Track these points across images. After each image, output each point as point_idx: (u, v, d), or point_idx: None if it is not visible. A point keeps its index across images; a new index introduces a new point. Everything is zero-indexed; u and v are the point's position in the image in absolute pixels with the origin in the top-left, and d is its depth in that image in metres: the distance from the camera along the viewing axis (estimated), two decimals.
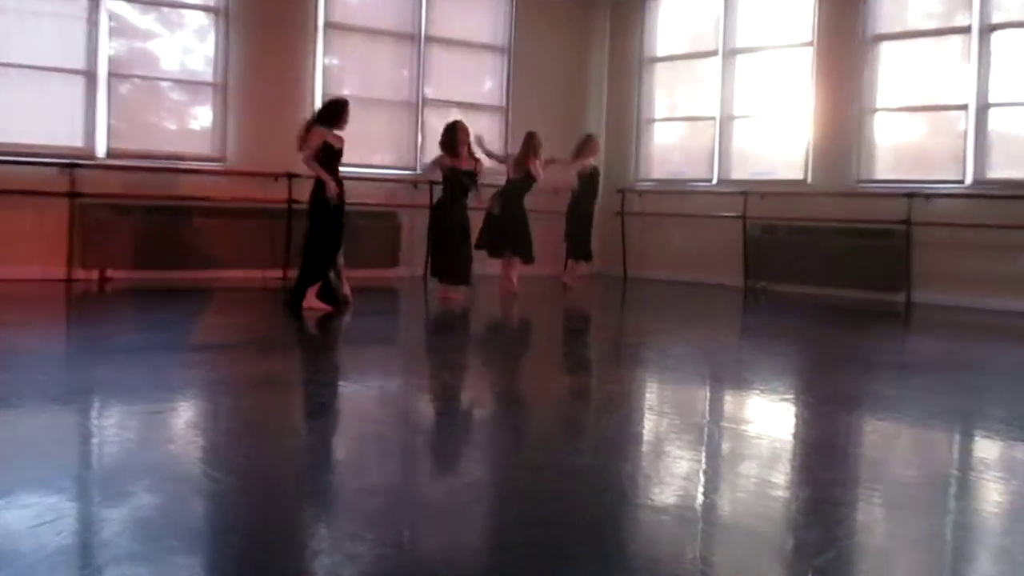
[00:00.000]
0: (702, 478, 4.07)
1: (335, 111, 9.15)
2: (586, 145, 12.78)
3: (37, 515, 3.20)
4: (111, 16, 11.50)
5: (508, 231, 11.35)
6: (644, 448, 4.68)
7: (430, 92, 13.71)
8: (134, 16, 11.84)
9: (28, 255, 10.78)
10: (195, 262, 11.46)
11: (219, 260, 11.51)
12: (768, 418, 5.45)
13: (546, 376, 6.54)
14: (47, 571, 2.72)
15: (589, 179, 12.79)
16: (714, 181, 13.93)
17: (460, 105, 13.97)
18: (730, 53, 13.82)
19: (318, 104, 12.28)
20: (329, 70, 12.87)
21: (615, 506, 3.60)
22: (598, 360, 7.61)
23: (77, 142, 11.28)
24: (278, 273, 11.69)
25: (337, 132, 9.06)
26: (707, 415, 5.64)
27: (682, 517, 3.51)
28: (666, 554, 3.12)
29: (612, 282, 14.00)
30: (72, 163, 10.98)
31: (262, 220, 11.85)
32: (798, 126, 13.07)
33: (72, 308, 9.55)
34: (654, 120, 14.93)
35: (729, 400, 6.10)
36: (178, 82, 12.07)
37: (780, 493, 3.83)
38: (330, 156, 9.02)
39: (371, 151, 13.10)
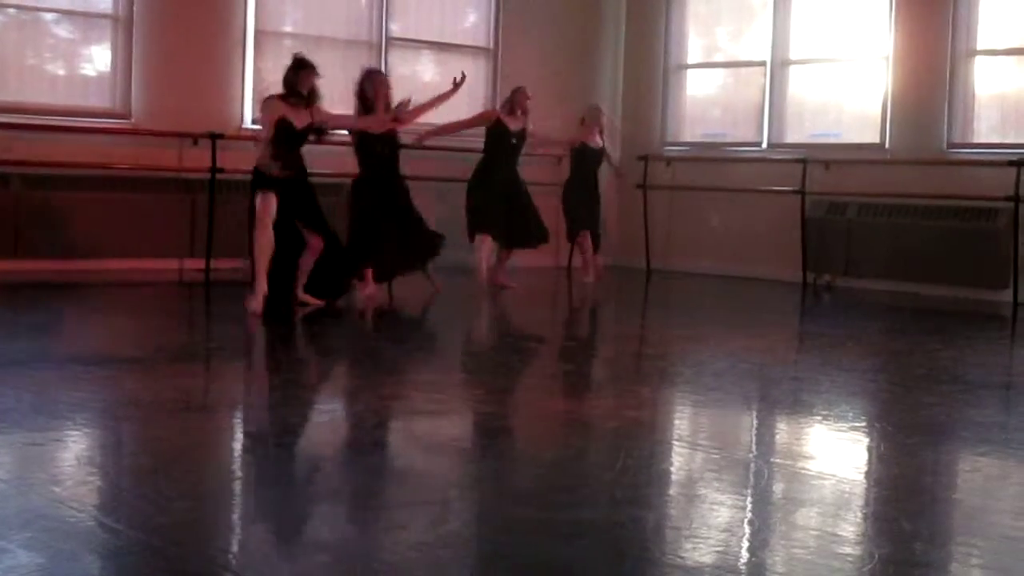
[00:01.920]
0: (748, 530, 4.05)
1: (286, 76, 9.30)
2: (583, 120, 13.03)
3: None
4: None
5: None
6: (673, 492, 4.67)
7: (396, 29, 13.65)
8: None
9: None
10: (89, 249, 11.35)
11: (121, 246, 11.41)
12: (833, 452, 5.44)
13: (546, 400, 6.51)
14: None
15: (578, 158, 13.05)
16: (764, 145, 13.88)
17: (434, 46, 13.94)
18: None
19: (249, 44, 12.30)
20: (263, 7, 12.76)
21: (636, 569, 3.58)
22: (613, 379, 7.57)
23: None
24: (198, 263, 11.62)
25: (294, 104, 9.20)
26: (754, 448, 5.63)
27: None
28: None
29: (631, 275, 13.95)
30: None
31: (177, 194, 11.76)
32: (873, 74, 13.04)
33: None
34: (686, 66, 14.84)
35: (783, 429, 6.09)
36: (67, 14, 12.01)
37: (848, 550, 3.82)
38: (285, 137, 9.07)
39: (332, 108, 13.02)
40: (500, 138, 11.64)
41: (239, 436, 5.48)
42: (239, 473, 4.86)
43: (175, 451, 5.12)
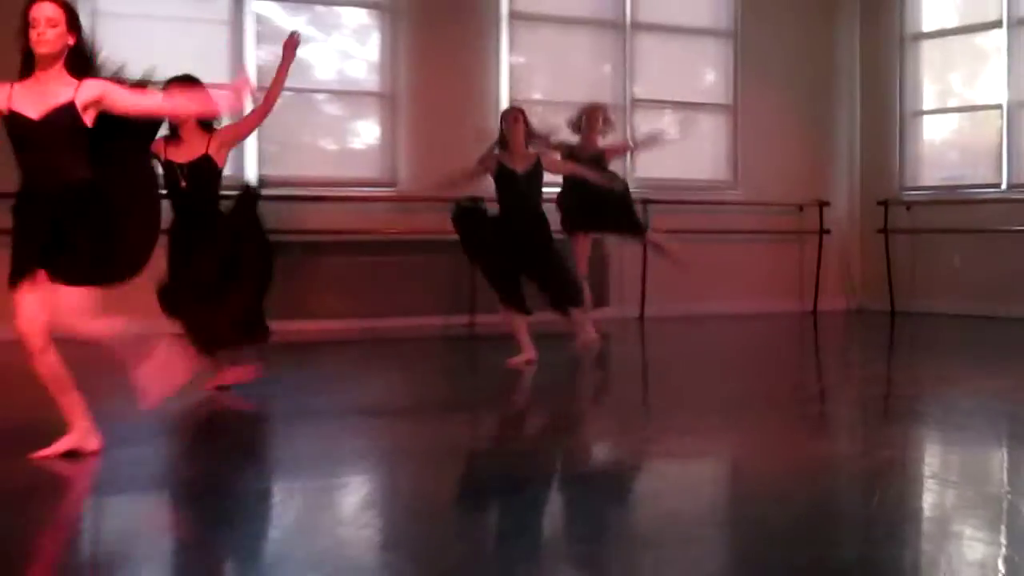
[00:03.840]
0: (1004, 567, 3.91)
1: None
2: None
3: None
4: (257, 19, 11.91)
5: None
6: (928, 530, 4.54)
7: (639, 91, 13.70)
8: (283, 18, 12.23)
9: None
10: (361, 308, 11.66)
11: (389, 305, 11.66)
12: None
13: (797, 440, 6.39)
14: None
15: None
16: (1004, 186, 13.47)
17: (676, 105, 13.95)
18: (1017, 23, 13.39)
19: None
20: (516, 70, 13.00)
21: None
22: (863, 419, 7.41)
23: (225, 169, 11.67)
24: (463, 319, 11.80)
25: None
26: (1007, 485, 5.44)
27: None
28: None
29: (876, 318, 13.65)
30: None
31: (441, 256, 11.94)
32: None
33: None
34: (922, 112, 14.52)
35: None
36: (337, 94, 12.40)
37: None
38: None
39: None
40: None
41: (506, 479, 5.51)
42: (511, 515, 4.87)
43: (449, 495, 5.20)
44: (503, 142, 9.25)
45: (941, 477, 5.61)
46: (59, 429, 5.50)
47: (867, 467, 5.52)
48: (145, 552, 4.12)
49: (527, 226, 9.11)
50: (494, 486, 5.39)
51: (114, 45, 11.26)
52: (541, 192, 9.41)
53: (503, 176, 9.12)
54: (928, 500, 5.01)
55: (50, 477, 5.44)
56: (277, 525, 4.63)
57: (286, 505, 4.95)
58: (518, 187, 9.13)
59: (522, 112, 9.42)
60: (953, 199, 13.91)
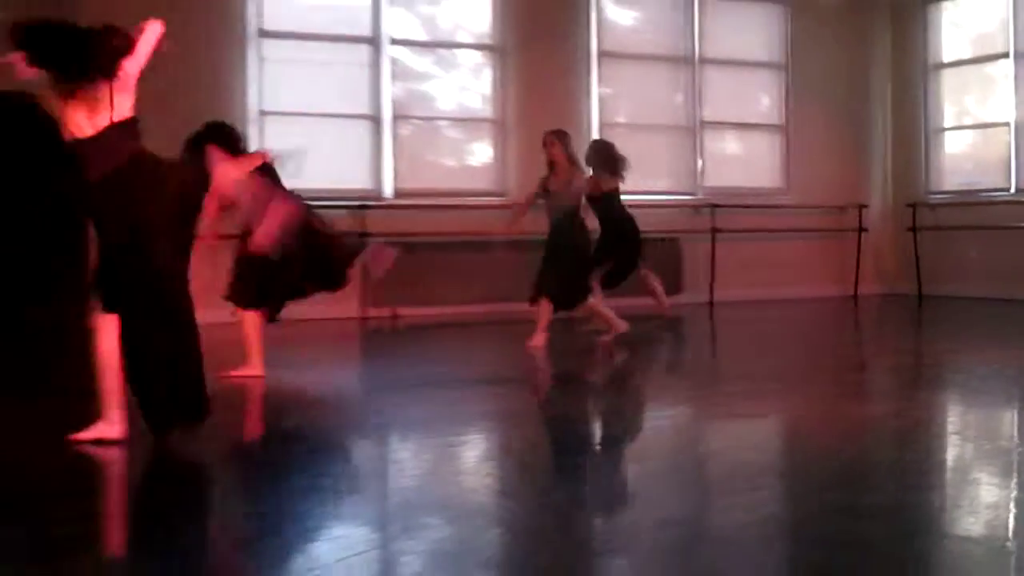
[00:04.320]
0: (1015, 508, 3.87)
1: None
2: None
3: (347, 547, 3.38)
4: (392, 61, 12.04)
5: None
6: (951, 478, 4.50)
7: (707, 114, 13.65)
8: (413, 59, 12.34)
9: (324, 294, 11.36)
10: (479, 296, 11.73)
11: (502, 293, 11.71)
12: None
13: (839, 403, 6.34)
14: None
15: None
16: (1012, 190, 13.22)
17: (737, 126, 13.90)
18: (1022, 55, 13.11)
19: (594, 135, 12.45)
20: (603, 99, 13.00)
21: (927, 542, 3.48)
22: (896, 386, 7.34)
23: (366, 184, 11.84)
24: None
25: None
26: (1017, 439, 5.37)
27: (995, 549, 3.36)
28: None
29: (906, 301, 13.48)
30: (362, 204, 11.52)
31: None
32: None
33: (367, 345, 9.98)
34: (942, 129, 14.31)
35: None
36: (457, 120, 12.49)
37: None
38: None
39: (649, 177, 13.15)
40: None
41: (598, 437, 5.54)
42: (602, 466, 4.91)
43: (553, 450, 5.25)
44: (550, 165, 8.93)
45: (962, 433, 5.56)
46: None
47: (899, 426, 5.48)
48: (307, 487, 4.21)
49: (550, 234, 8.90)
50: (589, 442, 5.43)
51: (277, 84, 11.53)
52: (574, 207, 8.94)
53: (545, 195, 8.95)
54: (951, 453, 4.97)
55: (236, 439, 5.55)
56: (411, 474, 4.71)
57: (419, 458, 5.02)
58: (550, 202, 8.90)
59: (556, 135, 8.94)
60: (969, 201, 13.69)
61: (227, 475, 4.80)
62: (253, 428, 5.95)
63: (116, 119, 4.78)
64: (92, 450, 4.78)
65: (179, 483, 4.47)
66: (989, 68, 13.67)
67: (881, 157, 14.72)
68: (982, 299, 12.85)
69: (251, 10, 11.26)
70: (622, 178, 10.23)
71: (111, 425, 4.88)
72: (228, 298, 7.00)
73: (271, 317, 7.22)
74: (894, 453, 4.90)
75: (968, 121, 14.16)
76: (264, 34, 11.38)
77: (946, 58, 14.22)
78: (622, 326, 8.90)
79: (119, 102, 4.81)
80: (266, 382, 6.83)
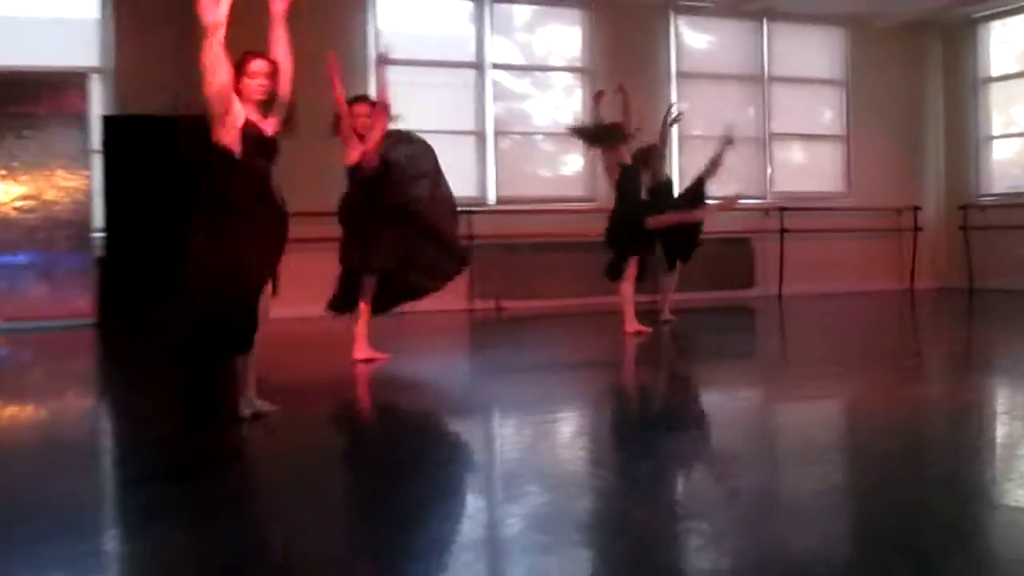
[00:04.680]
0: None
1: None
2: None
3: (461, 510, 3.41)
4: (494, 83, 12.09)
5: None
6: (1001, 453, 4.39)
7: (775, 127, 13.50)
8: (511, 81, 12.38)
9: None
10: (574, 290, 11.70)
11: (594, 287, 11.65)
12: None
13: (898, 386, 6.22)
14: (473, 560, 2.89)
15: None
16: None
17: (801, 137, 13.74)
18: None
19: (674, 147, 12.36)
20: (682, 114, 12.89)
21: (981, 510, 3.41)
22: (951, 369, 7.17)
23: (472, 192, 11.91)
24: (646, 297, 11.71)
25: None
26: None
27: None
28: None
29: (958, 294, 13.19)
30: (469, 210, 11.58)
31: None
32: None
33: (474, 334, 10.04)
34: (992, 137, 14.00)
35: None
36: (551, 135, 12.48)
37: None
38: None
39: (724, 184, 13.01)
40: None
41: (679, 415, 5.50)
42: (682, 441, 4.87)
43: (640, 425, 5.23)
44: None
45: (1010, 413, 5.41)
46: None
47: (952, 406, 5.37)
48: (423, 460, 4.26)
49: None
50: (672, 419, 5.40)
51: (394, 104, 11.70)
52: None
53: None
54: (1000, 431, 4.85)
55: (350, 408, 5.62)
56: (513, 448, 4.72)
57: (520, 433, 5.04)
58: None
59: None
60: (1016, 203, 13.37)
61: (349, 449, 4.86)
62: (372, 408, 6.01)
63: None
64: (241, 425, 4.88)
65: (304, 455, 4.53)
66: None
67: (934, 163, 14.45)
68: None
69: (371, 41, 11.42)
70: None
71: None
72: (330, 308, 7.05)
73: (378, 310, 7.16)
74: (948, 431, 4.80)
75: (1014, 130, 13.82)
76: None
77: (994, 72, 13.91)
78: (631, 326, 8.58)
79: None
80: (384, 366, 6.89)
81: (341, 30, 11.27)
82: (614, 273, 8.76)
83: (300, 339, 8.57)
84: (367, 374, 6.65)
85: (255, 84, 4.79)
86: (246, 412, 4.92)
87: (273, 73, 4.84)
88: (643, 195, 8.83)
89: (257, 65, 4.82)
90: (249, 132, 4.75)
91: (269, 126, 4.87)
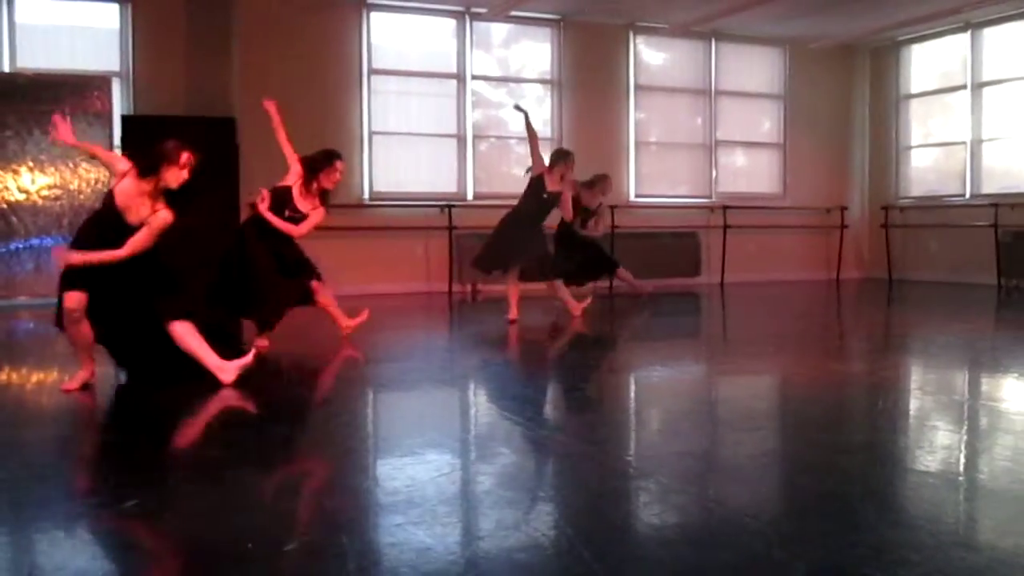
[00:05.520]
0: (964, 448, 3.81)
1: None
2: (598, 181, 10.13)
3: (437, 469, 3.40)
4: (472, 93, 12.04)
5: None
6: (913, 423, 4.44)
7: (720, 135, 13.52)
8: (488, 91, 12.33)
9: (420, 274, 11.48)
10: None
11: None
12: None
13: (824, 363, 6.26)
14: (448, 512, 2.89)
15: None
16: (967, 196, 12.97)
17: (743, 144, 13.77)
18: (978, 86, 12.84)
19: (631, 152, 12.40)
20: (639, 122, 12.91)
21: (895, 474, 3.44)
22: (870, 350, 7.22)
23: (452, 188, 11.88)
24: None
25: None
26: (966, 394, 5.27)
27: (949, 481, 3.31)
28: (933, 514, 2.95)
29: (879, 284, 13.30)
30: (449, 204, 11.57)
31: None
32: None
33: (453, 314, 10.02)
34: (911, 147, 14.08)
35: (986, 381, 5.66)
36: (523, 140, 12.41)
37: None
38: None
39: (674, 185, 13.11)
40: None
41: (627, 389, 5.51)
42: (627, 409, 4.89)
43: (592, 396, 5.22)
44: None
45: (922, 388, 5.46)
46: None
47: (872, 382, 5.41)
48: (403, 422, 4.25)
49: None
50: (623, 390, 5.40)
51: (384, 111, 11.60)
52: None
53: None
54: (913, 404, 4.89)
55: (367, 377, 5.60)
56: (485, 413, 4.72)
57: (492, 402, 5.03)
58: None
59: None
60: (931, 205, 13.47)
61: (341, 409, 4.84)
62: (360, 372, 5.99)
63: None
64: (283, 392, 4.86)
65: (296, 413, 4.51)
66: (949, 98, 13.39)
67: (860, 168, 14.51)
68: (941, 283, 12.73)
69: (364, 53, 11.35)
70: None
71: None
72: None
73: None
74: (867, 403, 4.84)
75: (932, 140, 13.89)
76: (374, 72, 11.44)
77: (914, 90, 13.96)
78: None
79: None
80: (359, 340, 6.86)
81: (338, 43, 11.19)
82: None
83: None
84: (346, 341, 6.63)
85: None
86: (228, 379, 4.93)
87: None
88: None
89: None
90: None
91: None
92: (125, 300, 4.84)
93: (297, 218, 6.32)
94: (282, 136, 6.39)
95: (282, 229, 6.25)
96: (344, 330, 6.87)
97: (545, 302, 9.23)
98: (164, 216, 4.77)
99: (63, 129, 5.02)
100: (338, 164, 6.47)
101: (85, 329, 4.85)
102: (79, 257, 4.69)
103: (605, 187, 10.13)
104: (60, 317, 4.83)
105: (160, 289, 4.89)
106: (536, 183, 8.38)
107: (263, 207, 6.21)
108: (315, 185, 6.38)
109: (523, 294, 8.50)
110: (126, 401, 4.97)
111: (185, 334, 4.90)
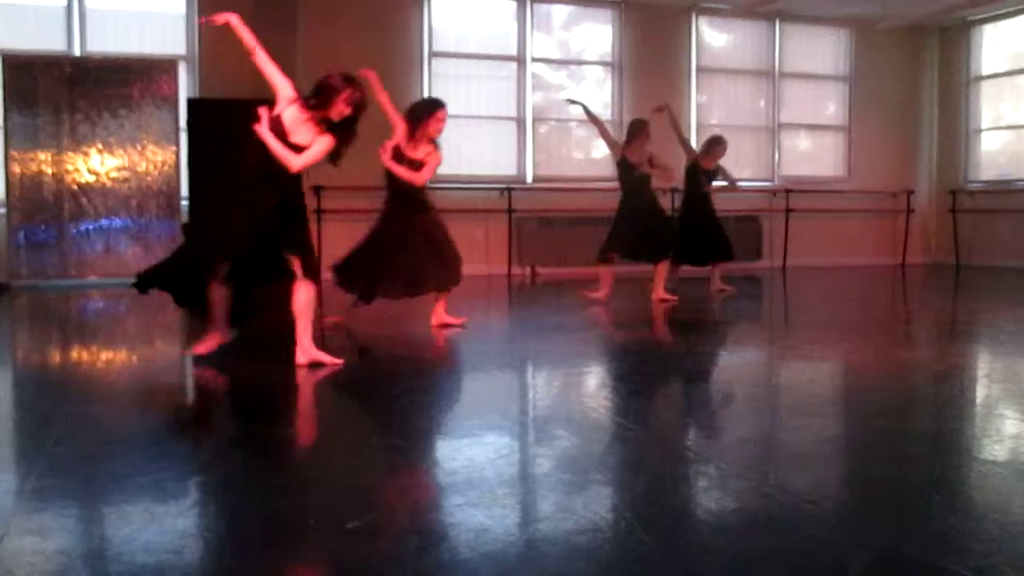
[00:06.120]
0: None
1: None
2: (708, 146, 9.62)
3: (496, 451, 3.42)
4: (532, 75, 12.03)
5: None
6: (978, 411, 4.35)
7: (783, 117, 13.35)
8: (549, 74, 12.30)
9: (479, 256, 11.51)
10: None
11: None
12: None
13: (890, 349, 6.16)
14: (506, 494, 2.90)
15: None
16: None
17: (807, 127, 13.59)
18: None
19: (692, 136, 12.28)
20: (700, 105, 12.81)
21: (960, 462, 3.38)
22: (937, 337, 7.09)
23: (512, 171, 11.89)
24: None
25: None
26: None
27: (1017, 471, 3.25)
28: (999, 504, 2.89)
29: (945, 270, 13.05)
30: (509, 188, 11.59)
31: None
32: None
33: (512, 297, 10.05)
34: (981, 130, 13.78)
35: None
36: (583, 122, 12.38)
37: None
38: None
39: (736, 168, 12.92)
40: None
41: (691, 374, 5.48)
42: (701, 394, 4.86)
43: (656, 379, 5.20)
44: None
45: (990, 376, 5.35)
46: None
47: (938, 369, 5.32)
48: (464, 407, 4.27)
49: None
50: (687, 374, 5.38)
51: (444, 93, 11.72)
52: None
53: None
54: (980, 392, 4.80)
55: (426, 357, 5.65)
56: (545, 396, 4.74)
57: (551, 384, 5.05)
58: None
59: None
60: (1001, 189, 13.21)
61: (399, 394, 4.89)
62: (423, 358, 6.03)
63: None
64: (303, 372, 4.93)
65: (362, 392, 4.56)
66: (1021, 79, 13.07)
67: (928, 152, 14.28)
68: (1010, 268, 12.47)
69: (425, 36, 11.41)
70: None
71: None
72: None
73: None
74: (933, 390, 4.75)
75: (1002, 123, 13.59)
76: (435, 55, 11.49)
77: (984, 71, 13.68)
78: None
79: None
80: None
81: (400, 26, 11.25)
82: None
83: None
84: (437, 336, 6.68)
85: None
86: (302, 360, 4.97)
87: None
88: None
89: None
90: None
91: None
92: (268, 245, 4.93)
93: (415, 164, 6.44)
94: (385, 99, 6.51)
95: (405, 177, 6.40)
96: (436, 328, 6.75)
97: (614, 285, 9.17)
98: (329, 139, 4.90)
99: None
100: (439, 112, 6.56)
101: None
102: (265, 132, 4.97)
103: (717, 152, 9.45)
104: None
105: (300, 246, 4.95)
106: (622, 166, 8.43)
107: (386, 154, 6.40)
108: (421, 133, 6.50)
109: (573, 277, 8.46)
110: (201, 379, 5.07)
111: (304, 297, 4.95)
